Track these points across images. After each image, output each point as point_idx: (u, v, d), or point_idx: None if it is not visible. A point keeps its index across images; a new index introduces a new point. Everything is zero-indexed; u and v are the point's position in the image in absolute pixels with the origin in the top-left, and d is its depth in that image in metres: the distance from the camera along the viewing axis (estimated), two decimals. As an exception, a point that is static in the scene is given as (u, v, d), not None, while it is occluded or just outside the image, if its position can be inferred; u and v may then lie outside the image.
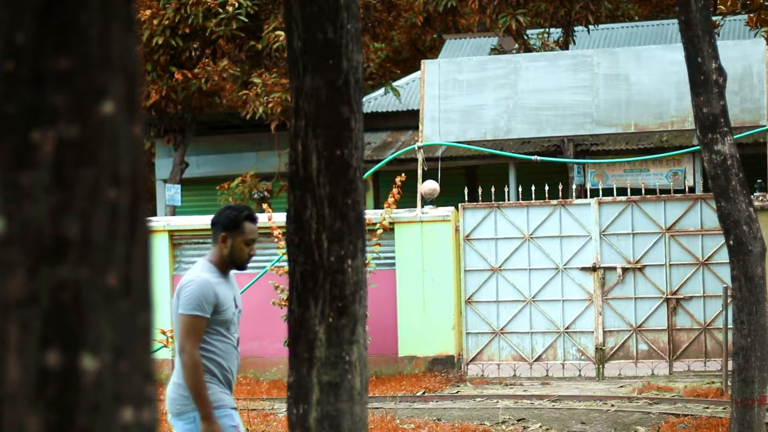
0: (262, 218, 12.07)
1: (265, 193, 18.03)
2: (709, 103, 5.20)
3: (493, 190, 12.46)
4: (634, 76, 12.59)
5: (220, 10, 15.97)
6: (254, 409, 9.94)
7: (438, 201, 12.49)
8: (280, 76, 16.09)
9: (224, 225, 4.18)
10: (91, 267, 1.32)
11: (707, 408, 9.23)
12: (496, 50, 18.51)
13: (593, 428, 8.64)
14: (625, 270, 11.80)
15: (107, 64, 1.33)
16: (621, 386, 10.93)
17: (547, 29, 18.15)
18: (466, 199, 12.44)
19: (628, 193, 12.23)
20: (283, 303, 11.42)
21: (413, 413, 9.57)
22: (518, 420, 9.08)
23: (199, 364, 4.10)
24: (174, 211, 17.67)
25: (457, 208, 12.21)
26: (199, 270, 4.18)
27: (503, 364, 11.97)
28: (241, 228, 4.16)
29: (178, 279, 12.50)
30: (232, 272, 4.30)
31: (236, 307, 4.24)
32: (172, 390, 4.34)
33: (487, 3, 16.86)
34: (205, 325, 4.12)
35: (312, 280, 2.57)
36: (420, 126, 12.92)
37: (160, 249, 12.20)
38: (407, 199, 14.30)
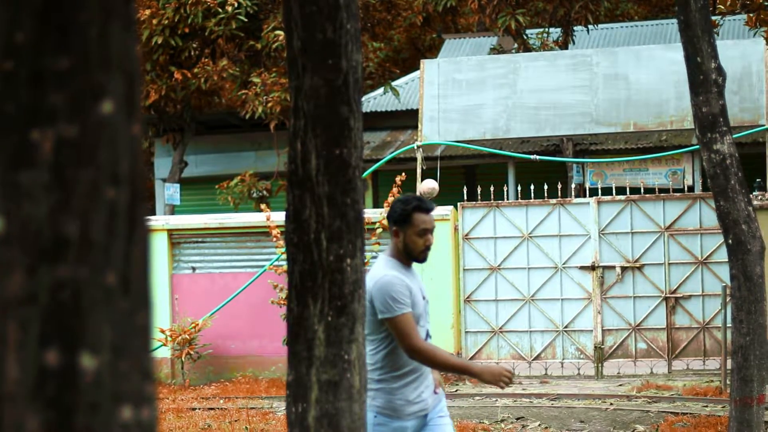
0: (261, 218, 12.08)
1: (264, 193, 18.03)
2: (708, 102, 5.20)
3: (492, 189, 12.46)
4: (633, 75, 12.59)
5: (220, 10, 15.97)
6: (253, 408, 9.94)
7: (437, 200, 12.49)
8: (280, 76, 16.09)
9: (394, 219, 4.04)
10: (90, 266, 1.32)
11: (706, 406, 9.24)
12: (496, 50, 18.51)
13: (592, 427, 8.65)
14: (624, 269, 11.81)
15: (106, 64, 1.33)
16: (620, 385, 10.93)
17: (546, 29, 18.15)
18: (465, 198, 12.44)
19: (627, 193, 12.23)
20: (282, 302, 11.42)
21: (412, 412, 9.55)
22: (517, 418, 9.08)
23: (429, 350, 3.97)
24: (173, 210, 17.68)
25: (456, 207, 12.21)
26: (382, 267, 4.03)
27: (502, 362, 11.97)
28: (410, 220, 4.01)
29: (177, 278, 12.51)
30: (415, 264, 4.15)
31: (424, 298, 4.10)
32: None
33: (487, 3, 16.86)
34: (412, 317, 3.97)
35: (311, 279, 2.57)
36: (419, 125, 12.92)
37: (159, 248, 12.20)
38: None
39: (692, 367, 11.57)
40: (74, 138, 1.31)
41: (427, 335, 4.08)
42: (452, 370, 4.19)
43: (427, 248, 4.05)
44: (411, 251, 4.02)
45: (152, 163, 20.24)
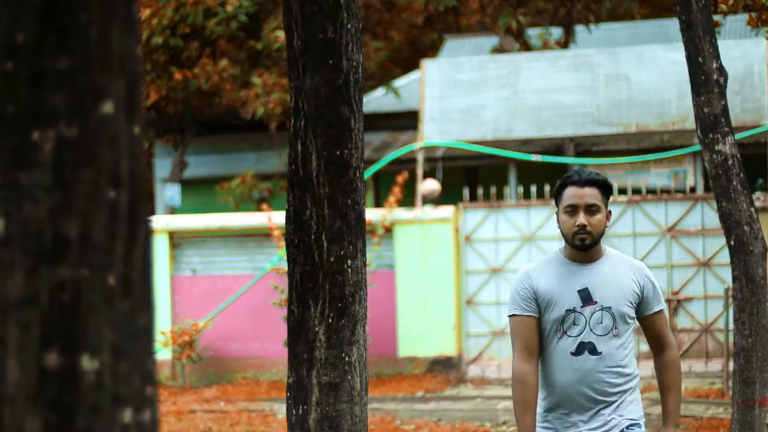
0: (262, 219, 12.07)
1: (266, 194, 18.04)
2: (710, 102, 5.19)
3: (493, 190, 12.45)
4: (634, 75, 12.58)
5: (221, 9, 15.97)
6: (254, 410, 9.94)
7: (438, 201, 12.48)
8: (280, 76, 16.09)
9: (555, 200, 3.39)
10: (90, 267, 1.32)
11: (708, 409, 9.22)
12: (497, 50, 18.51)
13: (594, 428, 8.63)
14: (625, 270, 11.80)
15: (107, 64, 1.33)
16: (621, 386, 10.90)
17: (547, 29, 18.15)
18: (467, 199, 12.43)
19: (629, 194, 12.22)
20: (283, 303, 11.41)
21: (413, 414, 9.56)
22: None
23: (519, 377, 3.23)
24: (173, 211, 17.68)
25: (457, 207, 12.20)
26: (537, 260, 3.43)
27: (504, 364, 11.96)
28: (561, 196, 3.32)
29: (178, 280, 12.51)
30: (609, 259, 3.33)
31: (585, 302, 3.25)
32: None
33: (488, 2, 16.86)
34: (529, 325, 3.26)
35: (312, 281, 2.57)
36: (420, 126, 12.91)
37: (160, 249, 12.19)
38: (407, 199, 14.30)
39: (694, 369, 11.56)
40: (75, 139, 1.31)
41: (587, 349, 3.24)
42: (516, 418, 3.28)
43: (581, 229, 3.24)
44: (564, 235, 3.29)
45: (152, 163, 20.25)
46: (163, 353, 11.90)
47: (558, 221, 3.34)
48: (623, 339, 3.29)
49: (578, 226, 3.26)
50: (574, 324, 3.26)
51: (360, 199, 2.65)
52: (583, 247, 3.27)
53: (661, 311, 3.39)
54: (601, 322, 3.27)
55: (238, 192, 18.15)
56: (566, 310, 3.27)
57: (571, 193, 3.30)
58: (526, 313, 3.28)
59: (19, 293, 1.31)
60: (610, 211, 3.34)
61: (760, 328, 5.17)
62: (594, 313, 3.27)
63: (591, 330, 3.26)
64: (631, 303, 3.32)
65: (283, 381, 11.40)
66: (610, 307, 3.27)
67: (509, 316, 3.31)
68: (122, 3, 1.35)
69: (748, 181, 5.47)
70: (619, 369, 3.28)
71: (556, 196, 3.35)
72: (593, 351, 3.26)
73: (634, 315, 3.34)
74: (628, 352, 3.32)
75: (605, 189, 3.34)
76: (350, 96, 2.62)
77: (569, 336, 3.26)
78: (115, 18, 1.33)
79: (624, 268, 3.35)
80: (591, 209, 3.27)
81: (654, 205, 11.85)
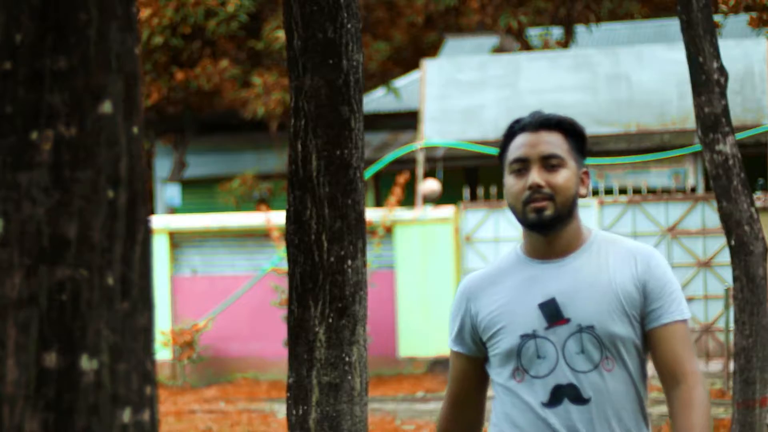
0: (262, 219, 12.07)
1: (266, 194, 18.04)
2: (710, 102, 5.19)
3: (494, 190, 12.46)
4: (635, 75, 12.59)
5: (221, 9, 15.97)
6: (254, 411, 9.94)
7: (438, 201, 12.48)
8: (280, 76, 16.09)
9: (499, 159, 2.23)
10: (89, 267, 1.32)
11: (708, 408, 9.23)
12: (497, 50, 18.50)
13: (594, 429, 8.63)
14: (625, 270, 11.80)
15: (106, 64, 1.33)
16: (622, 386, 10.91)
17: (547, 29, 18.15)
18: (467, 199, 12.43)
19: (630, 194, 12.22)
20: (283, 303, 11.41)
21: (414, 414, 9.56)
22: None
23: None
24: (173, 211, 17.68)
25: (458, 207, 12.20)
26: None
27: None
28: (506, 151, 2.17)
29: (178, 280, 12.51)
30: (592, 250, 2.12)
31: (552, 322, 2.08)
32: None
33: (488, 2, 16.85)
34: (459, 367, 2.22)
35: (312, 281, 2.56)
36: (420, 126, 12.91)
37: (160, 249, 12.19)
38: (407, 199, 14.30)
39: (694, 369, 11.57)
40: (73, 139, 1.31)
41: (574, 397, 2.06)
42: None
43: (535, 192, 2.07)
44: (513, 209, 2.13)
45: (152, 163, 20.25)
46: (163, 353, 11.90)
47: (504, 193, 2.15)
48: (624, 375, 2.08)
49: (529, 188, 2.06)
50: (539, 357, 2.06)
51: (360, 199, 2.64)
52: (542, 224, 2.06)
53: (676, 324, 2.09)
54: (582, 351, 2.05)
55: (239, 192, 18.15)
56: (521, 337, 2.07)
57: (519, 143, 2.12)
58: (456, 348, 2.20)
59: (18, 293, 1.31)
60: (586, 171, 2.15)
61: (761, 328, 5.17)
62: (568, 337, 2.06)
63: (567, 364, 2.06)
64: (629, 316, 2.08)
65: (283, 381, 11.40)
66: (591, 327, 2.05)
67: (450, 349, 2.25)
68: (121, 2, 1.34)
69: (749, 181, 5.47)
70: (624, 424, 2.08)
71: (501, 152, 2.19)
72: (576, 398, 2.05)
73: (639, 334, 2.10)
74: (634, 395, 2.10)
75: (573, 135, 2.13)
76: (350, 96, 2.62)
77: (534, 377, 2.07)
78: (114, 17, 1.33)
79: (616, 258, 2.11)
80: (549, 163, 2.07)
81: (654, 206, 11.85)
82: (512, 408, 2.11)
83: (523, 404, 2.09)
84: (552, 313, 2.08)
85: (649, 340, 2.11)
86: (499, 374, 2.14)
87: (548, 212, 2.07)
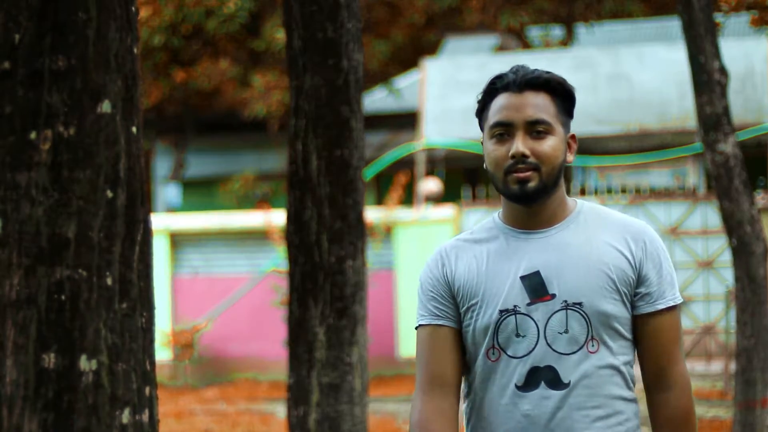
0: (261, 219, 12.07)
1: (267, 193, 18.05)
2: (711, 102, 5.19)
3: (494, 190, 12.45)
4: (636, 75, 12.59)
5: (221, 8, 15.97)
6: (254, 411, 9.94)
7: (439, 201, 12.48)
8: (281, 76, 16.09)
9: (478, 121, 2.02)
10: (88, 268, 1.31)
11: (709, 410, 9.22)
12: (498, 49, 18.51)
13: (595, 429, 8.62)
14: (626, 270, 11.80)
15: (105, 64, 1.32)
16: (622, 387, 10.90)
17: (547, 27, 18.15)
18: (468, 198, 12.43)
19: (631, 193, 12.22)
20: (284, 303, 11.41)
21: (414, 414, 9.54)
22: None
23: (418, 427, 1.93)
24: (174, 211, 17.69)
25: (458, 206, 12.20)
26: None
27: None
28: (486, 112, 1.97)
29: (178, 280, 12.51)
30: (575, 222, 1.95)
31: (535, 297, 1.90)
32: None
33: (489, 2, 16.86)
34: (440, 341, 1.95)
35: (312, 281, 2.56)
36: (421, 126, 12.92)
37: (160, 249, 12.19)
38: (408, 199, 14.30)
39: (696, 370, 11.55)
40: (72, 138, 1.30)
41: (551, 380, 1.88)
42: None
43: (519, 161, 1.89)
44: (492, 177, 1.96)
45: (152, 163, 20.27)
46: (163, 354, 11.90)
47: (484, 158, 1.97)
48: (609, 358, 1.92)
49: (513, 157, 1.89)
50: (518, 335, 1.89)
51: (360, 199, 2.64)
52: (526, 196, 1.89)
53: (670, 311, 1.95)
54: (566, 331, 1.89)
55: (240, 193, 18.19)
56: (501, 312, 1.89)
57: (501, 104, 1.93)
58: (435, 321, 1.94)
59: (17, 294, 1.30)
60: (573, 135, 1.97)
61: (762, 328, 5.17)
62: (552, 314, 1.89)
63: (549, 345, 1.89)
64: (620, 293, 1.92)
65: (283, 381, 11.39)
66: (579, 303, 1.89)
67: (416, 328, 1.99)
68: (120, 2, 1.34)
69: (749, 180, 5.46)
70: (605, 411, 1.91)
71: (480, 113, 2.00)
72: (555, 382, 1.89)
73: (629, 315, 1.94)
74: (620, 380, 1.94)
75: (562, 96, 1.94)
76: (350, 96, 2.61)
77: (511, 357, 1.89)
78: (113, 17, 1.33)
79: (606, 232, 1.96)
80: (535, 129, 1.90)
81: (655, 206, 11.85)
82: (483, 392, 1.92)
83: (495, 387, 1.91)
84: (536, 287, 1.90)
85: (638, 325, 1.94)
86: (473, 351, 1.92)
87: (532, 183, 1.90)
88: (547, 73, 1.95)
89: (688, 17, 5.17)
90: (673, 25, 21.17)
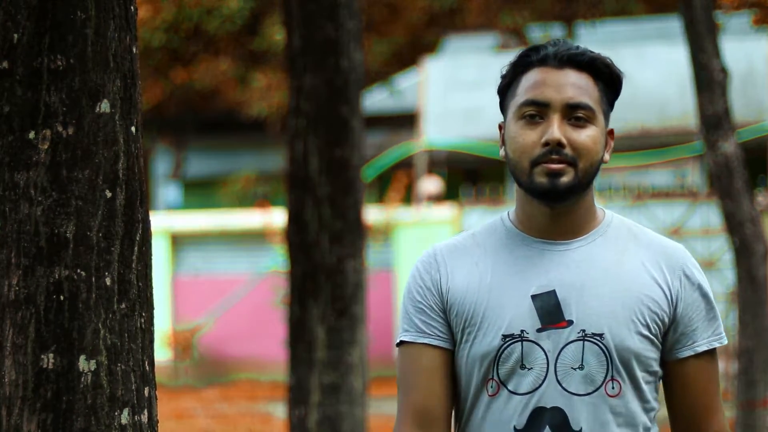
0: (261, 219, 12.07)
1: (267, 193, 18.05)
2: (712, 102, 5.18)
3: (498, 189, 12.45)
4: (636, 75, 12.59)
5: (221, 8, 15.98)
6: (255, 411, 9.94)
7: (439, 200, 12.48)
8: (281, 76, 16.10)
9: (500, 99, 1.73)
10: (87, 268, 1.31)
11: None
12: (498, 48, 18.51)
13: (595, 429, 8.61)
14: (626, 270, 11.80)
15: (104, 63, 1.32)
16: (623, 387, 10.89)
17: (546, 26, 18.14)
18: (468, 198, 12.43)
19: (632, 193, 12.22)
20: (284, 304, 11.40)
21: (415, 414, 9.54)
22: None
23: None
24: (174, 211, 17.70)
25: (458, 206, 12.20)
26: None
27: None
28: (515, 87, 1.67)
29: (179, 280, 12.51)
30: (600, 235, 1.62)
31: (547, 322, 1.57)
32: None
33: (491, 1, 16.86)
34: (428, 364, 1.59)
35: (312, 281, 2.56)
36: (421, 125, 12.92)
37: (160, 249, 12.19)
38: (408, 199, 14.30)
39: (695, 369, 11.57)
40: (71, 138, 1.30)
41: (559, 425, 1.55)
42: None
43: (553, 152, 1.56)
44: (513, 168, 1.62)
45: (152, 163, 20.28)
46: (163, 354, 11.90)
47: (503, 143, 1.65)
48: (632, 404, 1.58)
49: (545, 144, 1.56)
50: (523, 367, 1.56)
51: (360, 199, 2.64)
52: (556, 192, 1.55)
53: (709, 353, 1.65)
54: (581, 367, 1.56)
55: (240, 193, 18.19)
56: (504, 337, 1.56)
57: (536, 79, 1.61)
58: (421, 339, 1.58)
59: (15, 294, 1.30)
60: (612, 131, 1.64)
61: (763, 329, 5.16)
62: (566, 345, 1.56)
63: (558, 382, 1.56)
64: (650, 328, 1.59)
65: (284, 381, 11.38)
66: (600, 335, 1.56)
67: (397, 345, 1.63)
68: (118, 2, 1.34)
69: (750, 180, 5.46)
70: None
71: (504, 90, 1.70)
72: (562, 427, 1.55)
73: (658, 356, 1.61)
74: (644, 430, 1.59)
75: (607, 82, 1.66)
76: (350, 96, 2.61)
77: (512, 393, 1.56)
78: (112, 17, 1.32)
79: (639, 251, 1.62)
80: (575, 114, 1.57)
81: (656, 206, 11.85)
82: (477, 427, 1.57)
83: (489, 427, 1.56)
84: (549, 309, 1.55)
85: (671, 369, 1.61)
86: (467, 381, 1.58)
87: (565, 179, 1.54)
88: (592, 52, 1.68)
89: (689, 17, 5.16)
90: (674, 24, 21.15)
